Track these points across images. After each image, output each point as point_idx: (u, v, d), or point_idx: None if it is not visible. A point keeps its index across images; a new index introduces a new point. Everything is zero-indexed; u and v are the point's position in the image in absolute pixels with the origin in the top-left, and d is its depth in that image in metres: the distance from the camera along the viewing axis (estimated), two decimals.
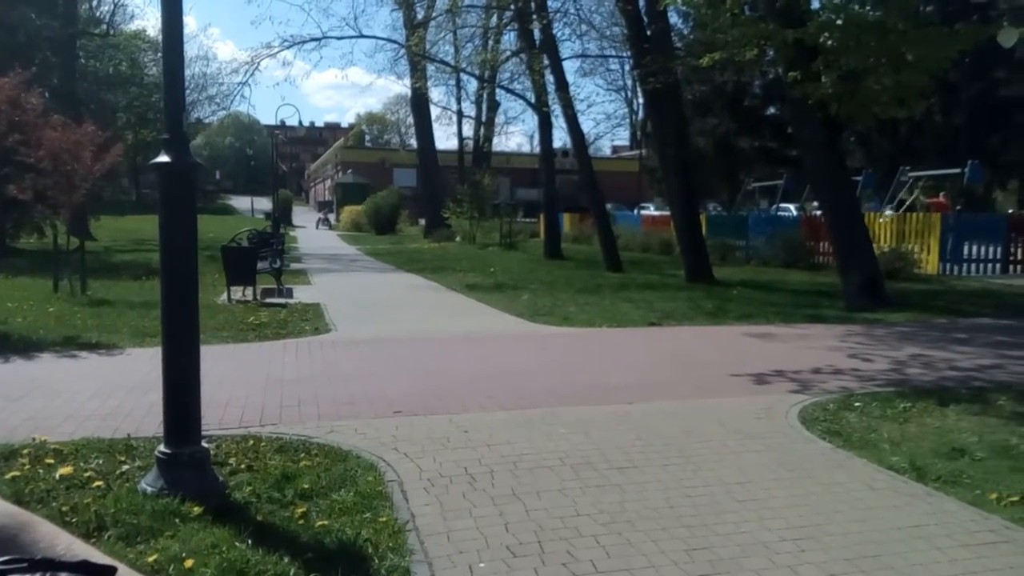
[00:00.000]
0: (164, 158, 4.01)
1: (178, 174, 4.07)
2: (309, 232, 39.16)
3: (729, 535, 3.60)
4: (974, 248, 17.85)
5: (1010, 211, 30.58)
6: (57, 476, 4.18)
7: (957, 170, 22.29)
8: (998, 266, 17.73)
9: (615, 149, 73.76)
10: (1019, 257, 17.90)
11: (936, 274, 17.09)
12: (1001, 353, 8.23)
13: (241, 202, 66.59)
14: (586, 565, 3.29)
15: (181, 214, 4.10)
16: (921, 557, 3.38)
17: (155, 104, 28.30)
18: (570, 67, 47.42)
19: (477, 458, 4.68)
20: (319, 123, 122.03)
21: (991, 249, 17.85)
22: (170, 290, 4.10)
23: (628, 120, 58.98)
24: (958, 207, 22.65)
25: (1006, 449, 4.84)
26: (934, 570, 3.26)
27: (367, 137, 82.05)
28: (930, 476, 4.39)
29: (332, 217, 48.67)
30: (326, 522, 3.68)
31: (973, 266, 17.72)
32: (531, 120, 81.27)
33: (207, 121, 53.83)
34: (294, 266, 18.71)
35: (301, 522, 3.71)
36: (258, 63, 23.12)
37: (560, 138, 33.57)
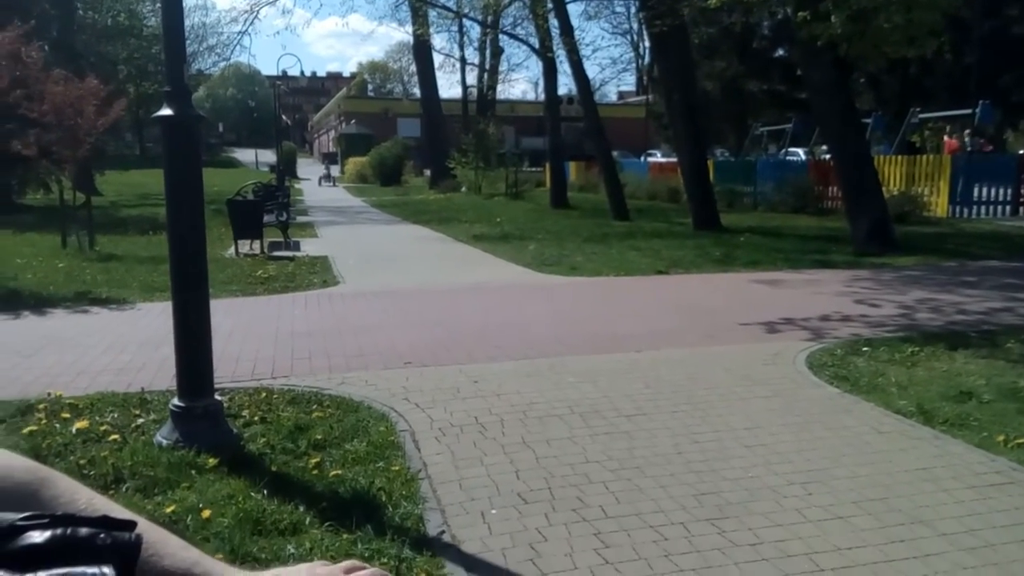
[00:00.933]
0: (166, 111, 3.98)
1: (181, 127, 4.04)
2: (314, 185, 38.98)
3: (737, 480, 3.65)
4: (985, 190, 17.67)
5: (1021, 152, 30.20)
6: (73, 430, 4.24)
7: (968, 110, 21.95)
8: (1008, 208, 17.58)
9: (621, 95, 72.83)
10: None
11: (946, 217, 16.96)
12: (1010, 296, 8.21)
13: (245, 155, 66.31)
14: (596, 511, 3.34)
15: (186, 167, 4.08)
16: (928, 499, 3.42)
17: (155, 56, 27.94)
18: (574, 10, 46.52)
19: (487, 407, 4.72)
20: (321, 73, 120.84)
21: (1002, 190, 17.68)
22: (178, 244, 4.10)
23: (634, 65, 58.16)
24: (969, 149, 22.33)
25: (1014, 392, 4.86)
26: (941, 512, 3.30)
27: (370, 86, 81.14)
28: (937, 419, 4.42)
29: (335, 169, 45.32)
30: (340, 472, 3.73)
31: (983, 208, 17.57)
32: (535, 67, 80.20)
33: (208, 72, 53.24)
34: (300, 219, 18.68)
35: (315, 472, 3.76)
36: (257, 11, 22.77)
37: (565, 84, 33.03)
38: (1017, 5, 30.05)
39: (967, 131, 23.57)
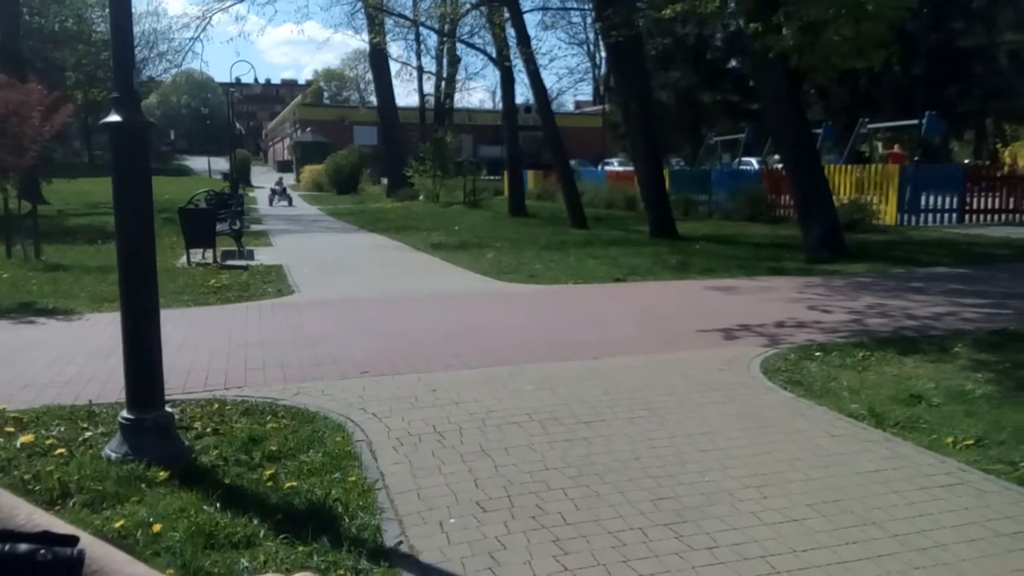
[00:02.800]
0: (115, 117, 3.89)
1: (130, 133, 3.95)
2: (268, 193, 38.57)
3: (694, 484, 3.67)
4: (932, 198, 18.15)
5: (966, 161, 31.12)
6: (18, 444, 4.11)
7: (915, 121, 22.56)
8: (954, 216, 18.07)
9: (578, 104, 73.40)
10: (975, 207, 18.26)
11: (894, 224, 17.38)
12: (956, 301, 8.42)
13: (197, 163, 65.25)
14: (555, 517, 3.34)
15: (135, 175, 3.99)
16: (880, 501, 3.48)
17: (104, 62, 27.43)
18: (531, 20, 46.78)
19: (445, 416, 4.69)
20: (275, 80, 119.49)
21: (948, 199, 18.18)
22: (127, 253, 4.00)
23: (591, 75, 58.72)
24: (916, 158, 22.96)
25: (961, 394, 4.98)
26: (892, 513, 3.36)
27: (326, 94, 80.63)
28: (888, 422, 4.50)
29: (289, 179, 38.47)
30: (295, 483, 3.67)
31: (930, 216, 18.04)
32: (493, 76, 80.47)
33: (159, 79, 52.33)
34: (254, 227, 18.45)
35: (270, 484, 3.70)
36: (210, 18, 22.52)
37: (523, 94, 33.21)
38: (961, 18, 31.01)
39: (878, 143, 24.22)
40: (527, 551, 3.06)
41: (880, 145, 24.14)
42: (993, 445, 4.10)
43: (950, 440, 4.18)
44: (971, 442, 4.14)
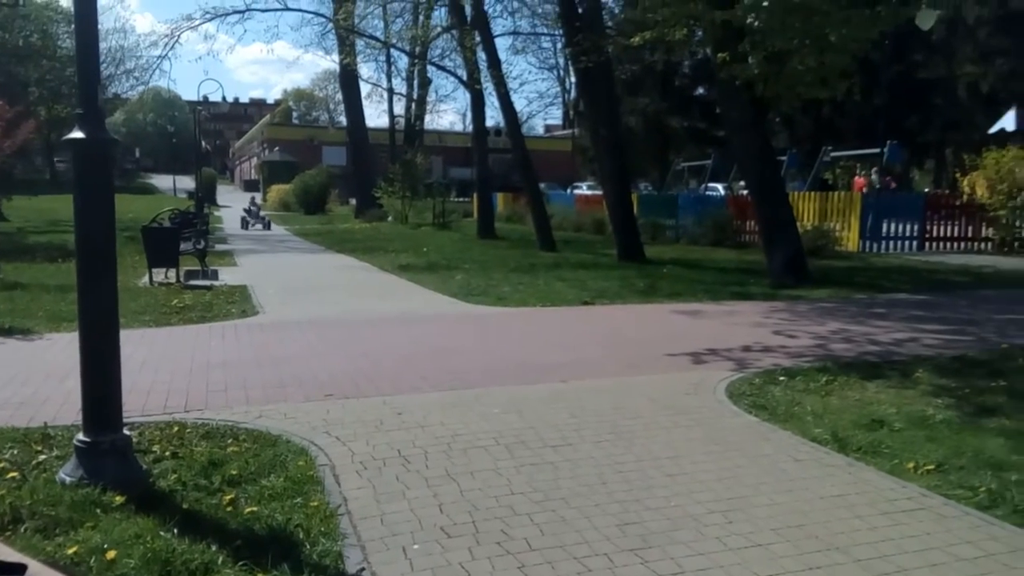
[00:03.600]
0: (78, 134, 3.83)
1: (93, 150, 3.89)
2: (235, 212, 38.16)
3: (660, 509, 3.66)
4: (893, 226, 18.50)
5: (927, 190, 31.82)
6: None
7: (877, 150, 23.05)
8: (915, 243, 18.43)
9: (548, 128, 73.95)
10: (935, 234, 18.64)
11: (857, 251, 17.68)
12: (917, 327, 8.56)
13: (163, 181, 64.63)
14: (520, 543, 3.30)
15: (97, 192, 3.92)
16: (843, 526, 3.50)
17: (69, 78, 27.11)
18: (502, 44, 47.20)
19: (411, 440, 4.64)
20: (244, 99, 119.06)
21: (909, 227, 18.54)
22: (87, 272, 3.92)
23: (561, 99, 59.14)
24: (878, 187, 23.41)
25: (923, 419, 5.04)
26: (855, 538, 3.37)
27: (294, 114, 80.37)
28: (851, 447, 4.54)
29: (258, 201, 34.19)
30: (256, 508, 3.60)
31: (892, 243, 18.38)
32: (463, 98, 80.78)
33: (125, 96, 51.80)
34: (219, 247, 18.24)
35: (229, 509, 3.62)
36: (178, 36, 22.24)
37: (493, 117, 33.46)
38: (922, 51, 31.82)
39: (875, 169, 24.69)
40: None
41: (875, 172, 24.56)
42: (953, 470, 4.15)
43: (911, 465, 4.22)
44: (932, 467, 4.19)
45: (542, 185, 24.10)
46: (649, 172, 38.36)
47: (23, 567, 0.58)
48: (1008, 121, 22.93)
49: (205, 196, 32.95)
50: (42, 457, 4.21)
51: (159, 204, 27.91)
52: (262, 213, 29.42)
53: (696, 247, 19.13)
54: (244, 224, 27.61)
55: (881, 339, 7.88)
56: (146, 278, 11.90)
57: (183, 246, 12.56)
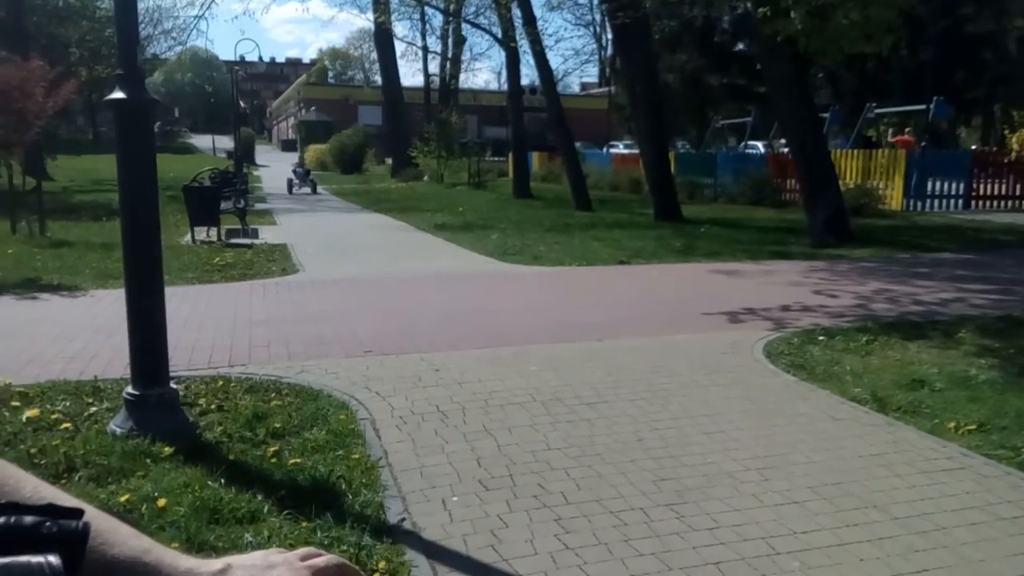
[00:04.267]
0: (119, 94, 3.89)
1: (134, 110, 3.94)
2: (273, 171, 38.42)
3: (695, 466, 3.69)
4: (938, 184, 18.06)
5: (973, 147, 30.94)
6: (24, 419, 4.13)
7: (923, 106, 22.41)
8: (960, 202, 17.99)
9: (584, 86, 72.94)
10: (981, 193, 18.17)
11: (900, 210, 17.31)
12: (961, 287, 8.40)
13: (202, 141, 65.19)
14: (557, 497, 3.35)
15: (139, 152, 3.99)
16: (881, 484, 3.49)
17: (108, 39, 27.28)
18: (537, 1, 46.43)
19: (448, 396, 4.71)
20: (280, 59, 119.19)
21: (955, 185, 18.09)
22: (132, 230, 4.01)
23: (597, 56, 58.31)
24: (923, 143, 22.84)
25: (965, 380, 4.98)
26: (893, 496, 3.37)
27: (330, 73, 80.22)
28: (891, 406, 4.50)
29: (299, 165, 29.20)
30: (299, 460, 3.69)
31: (937, 202, 17.96)
32: (498, 56, 80.00)
33: (163, 57, 52.08)
34: (258, 206, 18.42)
35: (274, 460, 3.72)
36: None
37: (528, 75, 32.96)
38: (971, 4, 30.71)
39: (890, 130, 24.03)
40: (529, 529, 3.08)
41: (890, 131, 24.06)
42: (995, 430, 4.11)
43: (952, 425, 4.18)
44: (973, 427, 4.14)
45: (578, 144, 23.86)
46: (687, 130, 37.76)
47: (80, 512, 0.60)
48: None
49: (244, 156, 33.10)
50: (93, 409, 4.35)
51: (199, 164, 28.21)
52: (310, 175, 26.05)
53: (735, 206, 18.88)
54: (290, 187, 24.87)
55: (924, 299, 7.75)
56: (188, 236, 12.09)
57: (224, 205, 12.72)
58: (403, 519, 3.17)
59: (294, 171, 26.52)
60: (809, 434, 4.11)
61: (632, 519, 3.15)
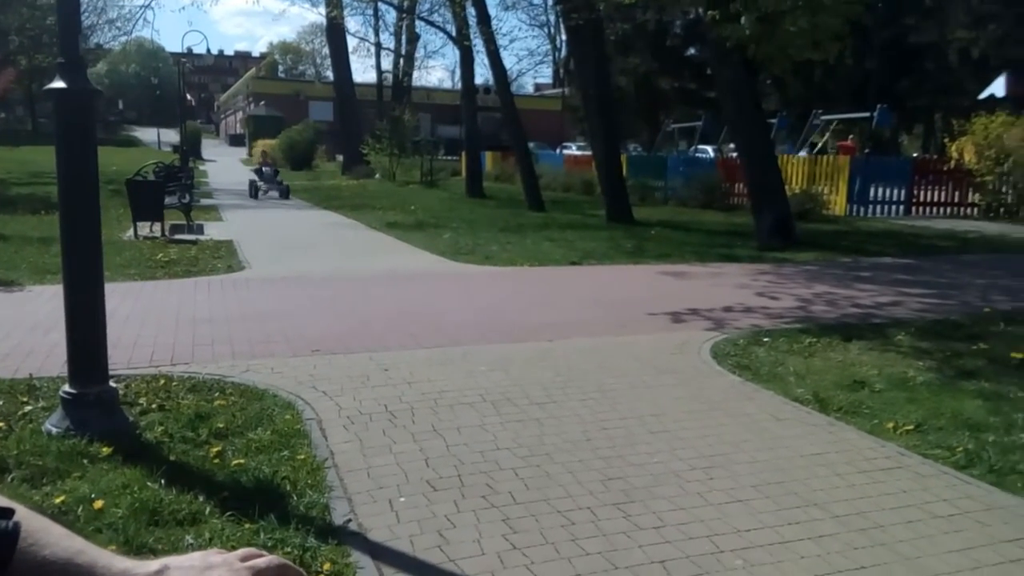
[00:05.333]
0: (59, 84, 3.77)
1: (75, 101, 3.83)
2: (220, 166, 37.78)
3: (643, 465, 3.72)
4: (880, 190, 18.54)
5: (915, 155, 31.84)
6: None
7: (867, 114, 23.00)
8: (902, 207, 18.50)
9: (538, 87, 73.21)
10: (922, 199, 18.70)
11: (844, 215, 17.72)
12: (901, 291, 8.63)
13: (147, 134, 63.71)
14: (505, 496, 3.35)
15: (79, 143, 3.87)
16: (822, 483, 3.56)
17: (50, 27, 26.51)
18: (492, 0, 46.45)
19: (397, 395, 4.67)
20: (229, 52, 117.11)
21: (896, 191, 18.58)
22: (71, 224, 3.89)
23: (551, 57, 58.58)
24: (866, 150, 23.43)
25: (903, 381, 5.11)
26: (834, 495, 3.44)
27: (280, 68, 79.14)
28: (832, 407, 4.60)
29: (265, 162, 22.54)
30: (242, 461, 3.63)
31: (879, 207, 18.43)
32: (452, 54, 79.85)
33: (108, 47, 50.79)
34: (204, 202, 18.09)
35: (216, 461, 3.64)
36: None
37: (482, 74, 32.95)
38: (914, 15, 31.60)
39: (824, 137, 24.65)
40: (476, 529, 3.07)
41: (826, 138, 24.69)
42: (932, 431, 4.22)
43: (891, 425, 4.29)
44: (911, 427, 4.26)
45: (531, 144, 23.95)
46: (639, 133, 38.18)
47: (10, 511, 0.58)
48: (998, 87, 22.94)
49: (190, 150, 32.47)
50: (28, 408, 4.22)
51: (143, 157, 27.59)
52: (279, 177, 21.41)
53: (685, 209, 19.13)
54: (253, 190, 20.56)
55: (865, 302, 7.94)
56: (131, 232, 11.81)
57: (168, 200, 12.46)
58: (349, 520, 3.14)
59: (259, 170, 21.77)
60: (753, 434, 4.17)
61: (580, 518, 3.17)
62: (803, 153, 22.16)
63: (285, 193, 20.54)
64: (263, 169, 21.69)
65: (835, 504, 3.34)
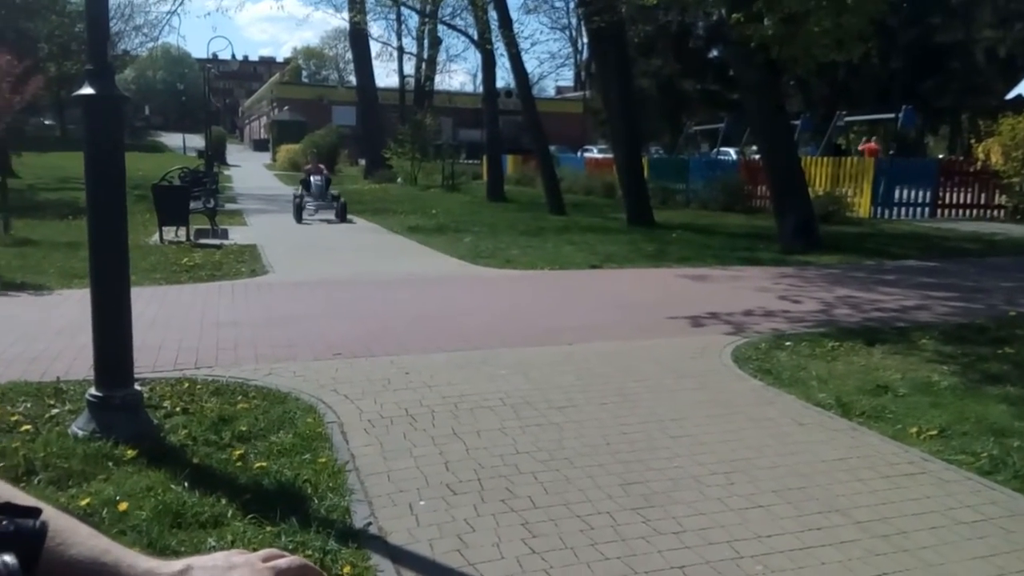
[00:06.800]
0: (88, 90, 3.83)
1: (103, 107, 3.89)
2: (244, 171, 38.10)
3: (663, 469, 3.71)
4: (905, 192, 18.34)
5: (940, 156, 31.48)
6: None
7: (891, 115, 22.75)
8: (927, 210, 18.28)
9: (559, 90, 73.16)
10: (947, 201, 18.47)
11: (868, 217, 17.55)
12: (925, 294, 8.54)
13: (172, 139, 64.43)
14: (524, 501, 3.36)
15: (108, 149, 3.94)
16: (844, 488, 3.53)
17: (78, 34, 26.90)
18: (514, 3, 46.47)
19: (418, 399, 4.69)
20: (253, 57, 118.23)
21: (921, 193, 18.37)
22: (98, 229, 3.95)
23: (572, 60, 58.46)
24: (891, 151, 23.19)
25: (927, 386, 5.05)
26: (855, 500, 3.41)
27: (304, 73, 79.77)
28: (855, 412, 4.56)
29: (314, 169, 17.34)
30: (264, 464, 3.66)
31: (904, 210, 18.23)
32: (474, 58, 79.97)
33: (135, 53, 51.41)
34: (229, 206, 18.25)
35: (239, 464, 3.68)
36: None
37: (504, 77, 32.92)
38: (940, 14, 31.26)
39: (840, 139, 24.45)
40: (496, 533, 3.08)
41: (852, 138, 24.50)
42: (956, 436, 4.18)
43: (914, 430, 4.25)
44: (935, 432, 4.21)
45: (552, 148, 23.93)
46: (661, 135, 38.04)
47: (38, 511, 0.60)
48: None
49: (215, 155, 32.75)
50: (55, 411, 4.28)
51: (169, 162, 27.90)
52: (332, 189, 16.33)
53: (706, 212, 19.03)
54: (298, 211, 15.26)
55: (889, 306, 7.86)
56: (156, 236, 11.95)
57: (193, 205, 12.59)
58: (369, 523, 3.16)
59: (306, 180, 16.48)
60: (775, 438, 4.15)
61: (599, 523, 3.17)
62: (807, 149, 22.05)
63: (342, 213, 15.24)
64: (312, 179, 16.35)
65: (857, 510, 3.31)
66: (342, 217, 15.38)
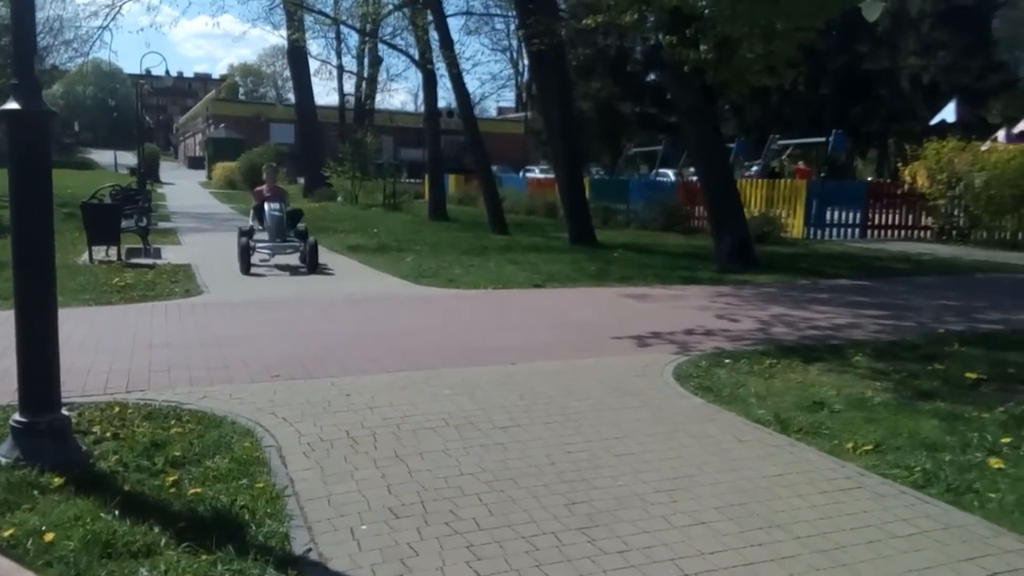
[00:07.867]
0: (12, 105, 3.71)
1: (29, 122, 3.76)
2: (179, 189, 37.27)
3: (607, 488, 3.71)
4: (836, 213, 18.91)
5: (869, 179, 32.59)
6: None
7: (822, 139, 23.51)
8: (857, 230, 18.88)
9: (501, 110, 73.76)
10: (877, 222, 19.12)
11: (802, 238, 18.04)
12: (858, 312, 8.78)
13: (103, 156, 62.77)
14: (468, 523, 3.31)
15: (33, 166, 3.80)
16: (784, 504, 3.58)
17: (3, 47, 26.08)
18: (455, 24, 46.48)
19: (359, 421, 4.62)
20: (188, 73, 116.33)
21: (851, 214, 18.98)
22: (22, 248, 3.80)
23: (514, 81, 59.05)
24: (822, 174, 23.92)
25: (861, 402, 5.18)
26: (795, 515, 3.46)
27: (241, 90, 78.72)
28: (793, 428, 4.65)
29: (273, 195, 12.09)
30: (199, 490, 3.55)
31: (835, 230, 18.80)
32: (415, 78, 79.97)
33: (64, 68, 49.98)
34: (162, 225, 17.83)
35: (172, 491, 3.56)
36: (120, 6, 21.66)
37: (445, 98, 32.86)
38: (867, 42, 32.48)
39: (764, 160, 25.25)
40: (440, 557, 3.03)
41: (781, 161, 25.25)
42: (890, 451, 4.28)
43: (850, 445, 4.34)
44: (870, 448, 4.31)
45: (494, 168, 24.02)
46: (601, 157, 38.54)
47: None
48: (948, 113, 23.58)
49: (148, 173, 31.99)
50: None
51: (99, 180, 27.13)
52: (301, 223, 12.33)
53: (646, 232, 19.31)
54: (245, 256, 10.96)
55: (823, 324, 8.06)
56: (86, 256, 11.58)
57: (124, 223, 12.26)
58: (309, 550, 3.07)
59: (259, 207, 12.27)
60: (716, 455, 4.19)
61: (544, 544, 3.14)
62: (754, 169, 22.62)
63: (311, 257, 11.14)
64: (267, 208, 11.90)
65: (797, 525, 3.36)
66: (311, 265, 11.09)
